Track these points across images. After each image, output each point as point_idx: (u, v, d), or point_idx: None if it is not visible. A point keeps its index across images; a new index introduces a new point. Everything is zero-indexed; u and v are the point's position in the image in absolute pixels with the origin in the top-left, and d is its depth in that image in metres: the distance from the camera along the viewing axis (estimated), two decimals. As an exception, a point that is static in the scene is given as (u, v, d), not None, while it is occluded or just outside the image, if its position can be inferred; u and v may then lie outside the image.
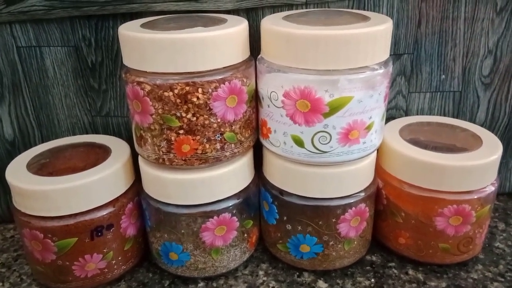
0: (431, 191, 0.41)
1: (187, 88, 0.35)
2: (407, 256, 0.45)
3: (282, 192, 0.42)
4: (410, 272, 0.44)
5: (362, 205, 0.42)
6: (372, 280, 0.44)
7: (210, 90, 0.36)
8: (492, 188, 0.42)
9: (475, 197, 0.41)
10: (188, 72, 0.35)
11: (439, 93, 0.50)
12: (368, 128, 0.38)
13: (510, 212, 0.54)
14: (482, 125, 0.51)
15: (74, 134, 0.50)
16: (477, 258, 0.46)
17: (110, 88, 0.48)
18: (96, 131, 0.51)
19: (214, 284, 0.44)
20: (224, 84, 0.36)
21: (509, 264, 0.45)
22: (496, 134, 0.49)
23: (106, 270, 0.42)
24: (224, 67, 0.36)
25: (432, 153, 0.41)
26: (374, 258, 0.47)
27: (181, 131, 0.37)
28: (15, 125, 0.49)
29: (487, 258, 0.46)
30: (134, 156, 0.43)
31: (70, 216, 0.39)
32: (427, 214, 0.42)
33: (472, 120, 0.51)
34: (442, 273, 0.44)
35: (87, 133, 0.50)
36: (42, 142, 0.49)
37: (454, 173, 0.40)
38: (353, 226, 0.42)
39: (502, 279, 0.43)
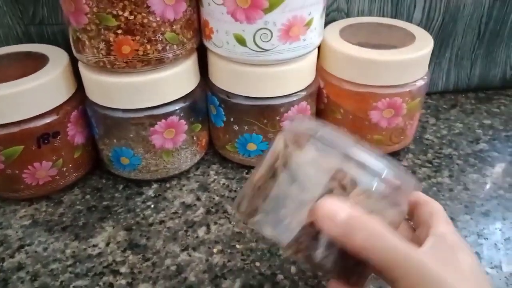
0: (366, 86, 0.43)
1: (122, -17, 0.34)
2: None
3: (228, 94, 0.43)
4: (349, 164, 0.48)
5: (304, 103, 0.44)
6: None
7: (146, -14, 0.35)
8: (422, 82, 0.45)
9: (407, 90, 0.43)
10: (121, -34, 0.34)
11: (378, -8, 0.51)
12: (308, 24, 0.39)
13: (441, 109, 0.58)
14: (418, 25, 0.52)
15: (8, 45, 0.48)
16: (408, 148, 0.51)
17: (41, -7, 0.45)
18: (31, 42, 0.48)
19: (168, 185, 0.46)
20: (160, -21, 0.35)
21: (436, 153, 0.50)
22: (431, 34, 0.51)
23: (57, 177, 0.43)
24: (159, -39, 0.35)
25: (367, 50, 0.43)
26: (317, 155, 0.50)
27: (120, 31, 0.36)
28: None
29: (417, 148, 0.51)
30: (75, 65, 0.42)
31: (13, 124, 0.38)
32: (363, 108, 0.44)
33: (409, 20, 0.53)
34: (376, 163, 0.48)
35: (21, 43, 0.48)
36: (-27, 53, 0.46)
37: (387, 68, 0.42)
38: (296, 124, 0.44)
39: (430, 165, 0.48)
